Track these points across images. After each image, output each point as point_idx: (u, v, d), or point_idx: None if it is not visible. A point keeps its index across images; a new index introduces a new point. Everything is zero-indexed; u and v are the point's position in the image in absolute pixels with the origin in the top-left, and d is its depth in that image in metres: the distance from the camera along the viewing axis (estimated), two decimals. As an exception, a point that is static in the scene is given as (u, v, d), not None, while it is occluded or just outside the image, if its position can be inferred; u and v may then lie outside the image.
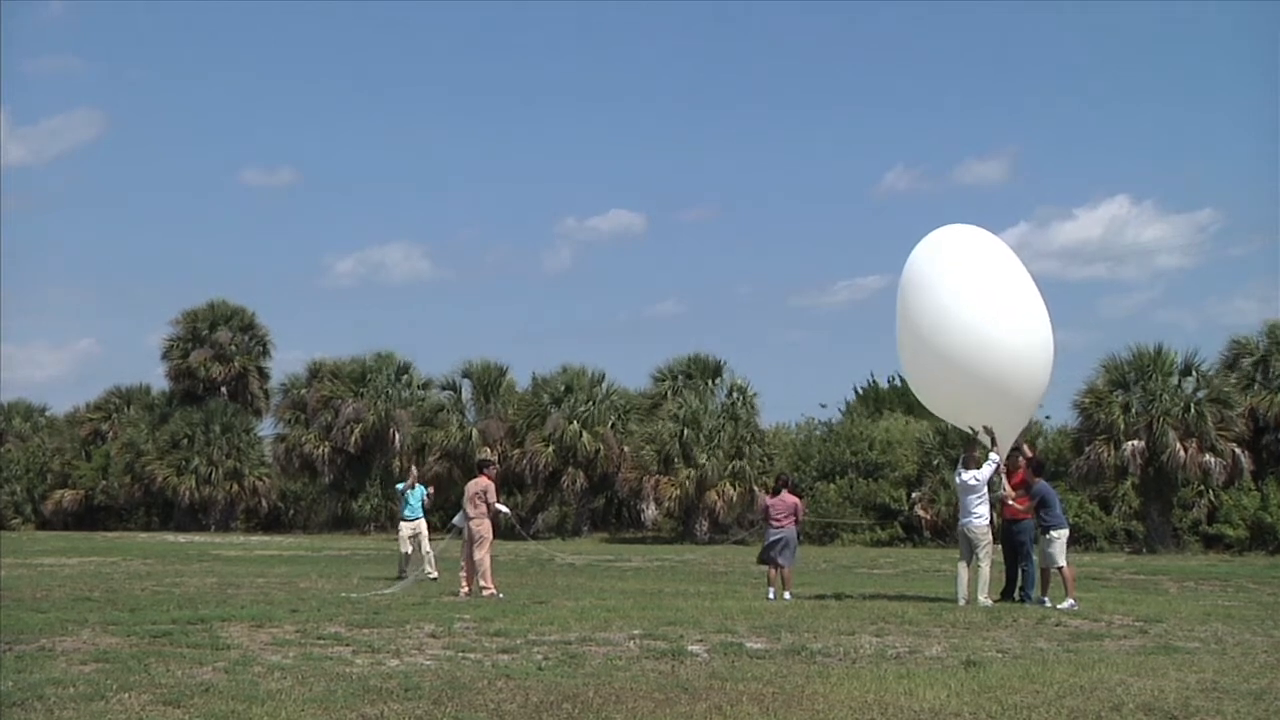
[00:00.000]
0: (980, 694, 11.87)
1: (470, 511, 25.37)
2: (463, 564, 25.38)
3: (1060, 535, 23.81)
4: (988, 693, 11.99)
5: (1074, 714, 10.80)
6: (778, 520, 26.54)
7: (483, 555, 25.07)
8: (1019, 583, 24.66)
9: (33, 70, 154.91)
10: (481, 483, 26.36)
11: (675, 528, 75.12)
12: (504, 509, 26.78)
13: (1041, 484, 25.83)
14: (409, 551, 33.93)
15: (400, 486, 36.04)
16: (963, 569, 24.34)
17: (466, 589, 24.49)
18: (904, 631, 18.13)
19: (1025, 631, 18.68)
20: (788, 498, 27.41)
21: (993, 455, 24.87)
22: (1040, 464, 28.56)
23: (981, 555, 24.31)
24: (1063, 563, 23.46)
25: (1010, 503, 25.10)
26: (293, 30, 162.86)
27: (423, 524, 34.55)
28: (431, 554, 33.57)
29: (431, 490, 37.73)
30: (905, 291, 17.96)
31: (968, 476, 24.69)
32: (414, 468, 41.49)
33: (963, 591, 23.97)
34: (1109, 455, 64.10)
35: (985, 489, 24.68)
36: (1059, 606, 22.43)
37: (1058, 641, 17.41)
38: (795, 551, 26.63)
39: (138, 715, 10.53)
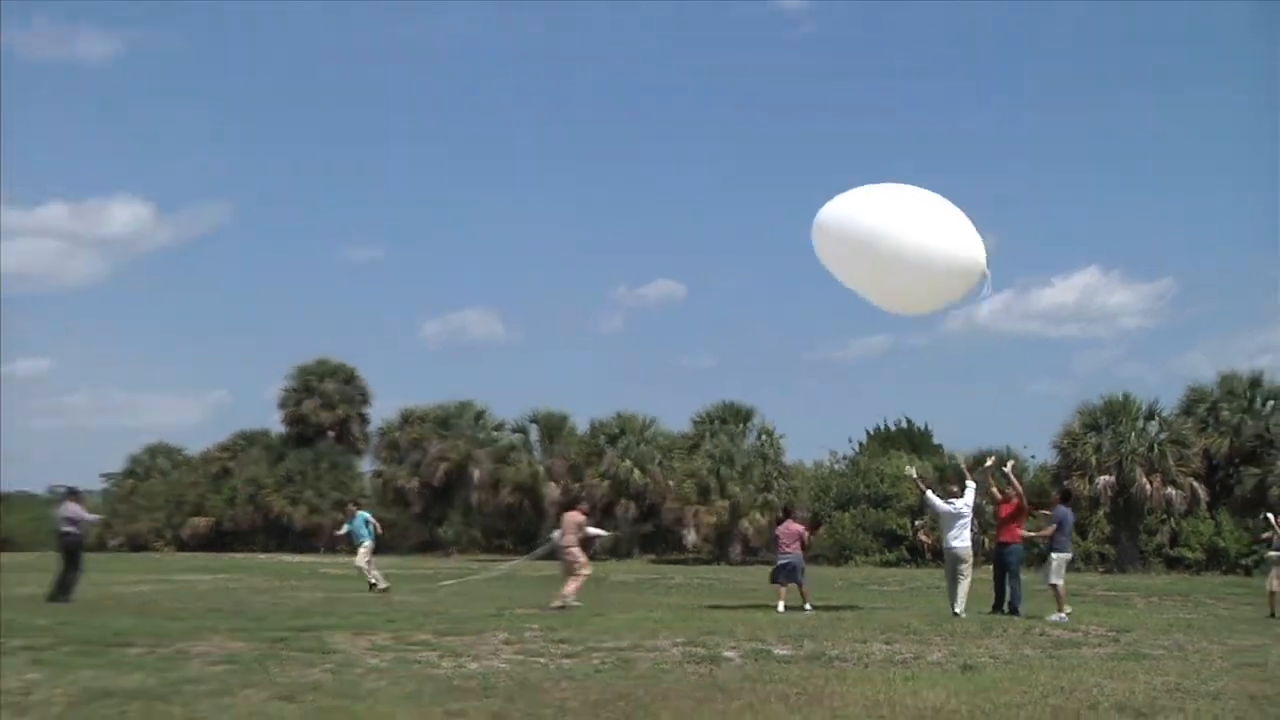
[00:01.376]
0: (975, 694, 11.82)
1: (566, 540, 25.49)
2: (568, 584, 25.31)
3: (1059, 558, 23.64)
4: (982, 693, 11.94)
5: (1057, 712, 10.75)
6: (785, 547, 26.65)
7: (578, 571, 25.21)
8: (1007, 598, 24.45)
9: (179, 169, 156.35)
10: (577, 517, 26.34)
11: (712, 550, 74.90)
12: (603, 532, 26.74)
13: (1063, 510, 25.82)
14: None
15: (363, 516, 36.31)
16: (951, 586, 24.17)
17: (565, 601, 24.54)
18: (909, 640, 18.04)
19: (1013, 640, 18.57)
20: (792, 526, 27.44)
21: (969, 483, 25.17)
22: (1068, 493, 28.81)
23: (964, 572, 24.10)
24: (1056, 581, 23.31)
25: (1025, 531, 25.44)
26: (378, 133, 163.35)
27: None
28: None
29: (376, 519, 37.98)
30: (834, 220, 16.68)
31: (960, 505, 24.53)
32: (353, 505, 41.63)
33: (959, 604, 23.68)
34: (1084, 488, 64.67)
35: (970, 516, 24.64)
36: (1049, 618, 22.18)
37: (1041, 649, 17.30)
38: (803, 570, 26.41)
39: (259, 709, 10.54)
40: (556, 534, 26.19)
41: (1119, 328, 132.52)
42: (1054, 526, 24.67)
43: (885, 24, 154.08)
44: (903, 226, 14.02)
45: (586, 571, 25.63)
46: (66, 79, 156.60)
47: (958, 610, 23.47)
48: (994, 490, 25.75)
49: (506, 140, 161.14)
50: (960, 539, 24.42)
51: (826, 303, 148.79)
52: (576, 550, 25.51)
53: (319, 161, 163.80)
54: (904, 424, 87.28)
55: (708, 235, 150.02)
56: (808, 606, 24.73)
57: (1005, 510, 25.67)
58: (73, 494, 28.54)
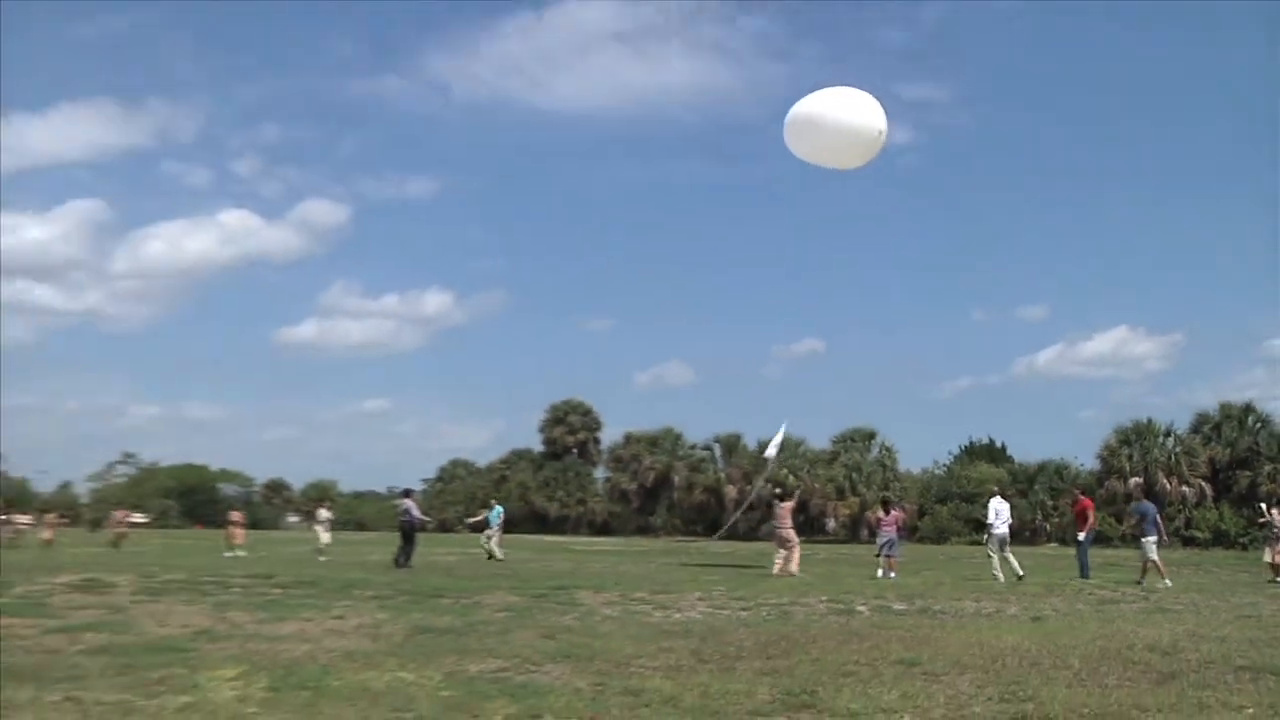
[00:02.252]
0: (1042, 638, 11.71)
1: (782, 524, 25.76)
2: (778, 555, 25.42)
3: (1149, 540, 23.34)
4: (1047, 637, 11.82)
5: (1103, 650, 10.62)
6: (886, 527, 26.72)
7: (793, 550, 25.17)
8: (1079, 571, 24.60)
9: (470, 270, 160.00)
10: (788, 506, 26.70)
11: (846, 534, 74.73)
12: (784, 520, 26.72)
13: (1145, 504, 26.35)
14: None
15: (498, 510, 36.18)
16: (998, 560, 24.12)
17: (779, 568, 24.58)
18: (992, 598, 17.84)
19: (1069, 599, 18.28)
20: (893, 513, 28.05)
21: (997, 503, 25.60)
22: (1148, 491, 29.14)
23: (1006, 551, 24.47)
24: (1154, 557, 23.00)
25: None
26: (603, 244, 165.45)
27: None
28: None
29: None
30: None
31: (1002, 507, 25.36)
32: (493, 501, 41.46)
33: (1016, 570, 23.68)
34: (1120, 487, 67.66)
35: (1007, 514, 25.41)
36: (1160, 584, 21.88)
37: (1090, 605, 17.01)
38: (897, 546, 26.51)
39: (529, 643, 10.79)
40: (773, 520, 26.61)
41: (1143, 370, 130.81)
42: (1138, 518, 24.60)
43: (963, 157, 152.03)
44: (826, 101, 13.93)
45: (797, 549, 25.60)
46: (399, 216, 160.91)
47: (997, 576, 23.54)
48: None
49: (695, 243, 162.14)
50: (1001, 527, 24.90)
51: (929, 353, 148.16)
52: (790, 531, 25.63)
53: (568, 260, 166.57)
54: (985, 441, 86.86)
55: (841, 308, 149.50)
56: (894, 574, 24.59)
57: (1083, 507, 26.85)
58: (407, 493, 29.40)
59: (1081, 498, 28.27)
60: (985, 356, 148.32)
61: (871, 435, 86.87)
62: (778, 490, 32.58)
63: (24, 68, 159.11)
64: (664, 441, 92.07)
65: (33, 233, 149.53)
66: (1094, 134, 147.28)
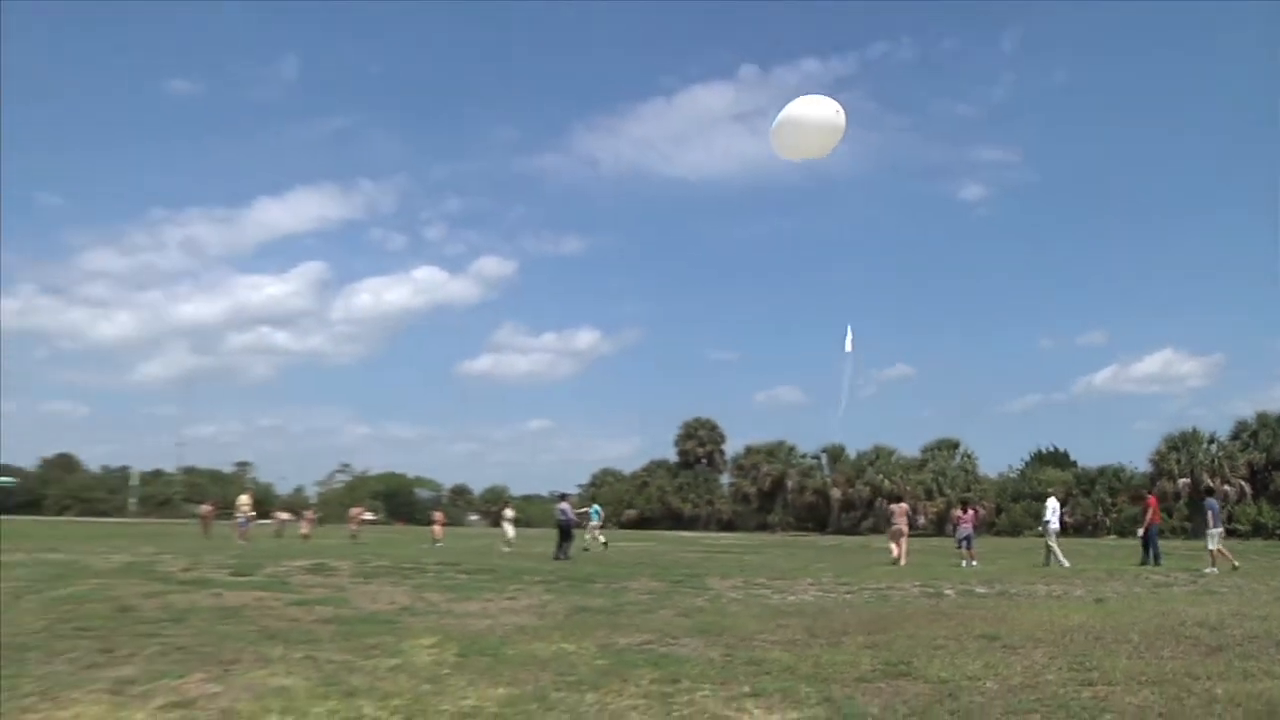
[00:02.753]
0: (1105, 617, 11.41)
1: (896, 521, 25.51)
2: (892, 545, 25.17)
3: (1214, 532, 22.64)
4: (1109, 616, 11.52)
5: (1159, 628, 10.32)
6: (964, 523, 26.49)
7: (903, 542, 24.83)
8: (1150, 559, 23.96)
9: (616, 313, 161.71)
10: (902, 506, 26.40)
11: (934, 529, 73.36)
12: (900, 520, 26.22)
13: (1210, 501, 25.35)
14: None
15: (596, 508, 35.87)
16: (1055, 548, 23.94)
17: (896, 558, 24.33)
18: (1060, 582, 17.39)
19: (1128, 582, 17.73)
20: (970, 511, 27.98)
21: (1052, 502, 25.99)
22: (1211, 490, 28.31)
23: (1054, 543, 24.27)
24: (1215, 546, 22.24)
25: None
26: (728, 283, 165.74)
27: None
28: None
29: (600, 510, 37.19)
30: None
31: (1055, 505, 25.72)
32: (592, 500, 41.10)
33: (1063, 561, 23.28)
34: (1170, 487, 66.62)
35: (1059, 512, 25.66)
36: (1208, 570, 20.92)
37: (1146, 588, 16.47)
38: (973, 540, 25.99)
39: (668, 620, 10.83)
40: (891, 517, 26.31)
41: (1187, 386, 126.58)
42: (1210, 513, 23.79)
43: (1028, 208, 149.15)
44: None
45: (905, 542, 25.19)
46: (557, 269, 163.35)
47: (1053, 564, 23.16)
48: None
49: (800, 284, 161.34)
50: (1053, 524, 25.06)
51: (1003, 375, 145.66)
52: (904, 527, 25.34)
53: (696, 301, 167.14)
54: (1052, 449, 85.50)
55: (927, 338, 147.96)
56: (975, 563, 24.09)
57: (1150, 504, 26.30)
58: (563, 497, 29.55)
59: (1149, 496, 27.79)
60: (1051, 377, 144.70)
61: (955, 445, 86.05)
62: (896, 496, 32.34)
63: (267, 162, 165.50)
64: (779, 452, 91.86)
65: (272, 290, 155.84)
66: (1141, 190, 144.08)
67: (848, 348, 15.51)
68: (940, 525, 75.07)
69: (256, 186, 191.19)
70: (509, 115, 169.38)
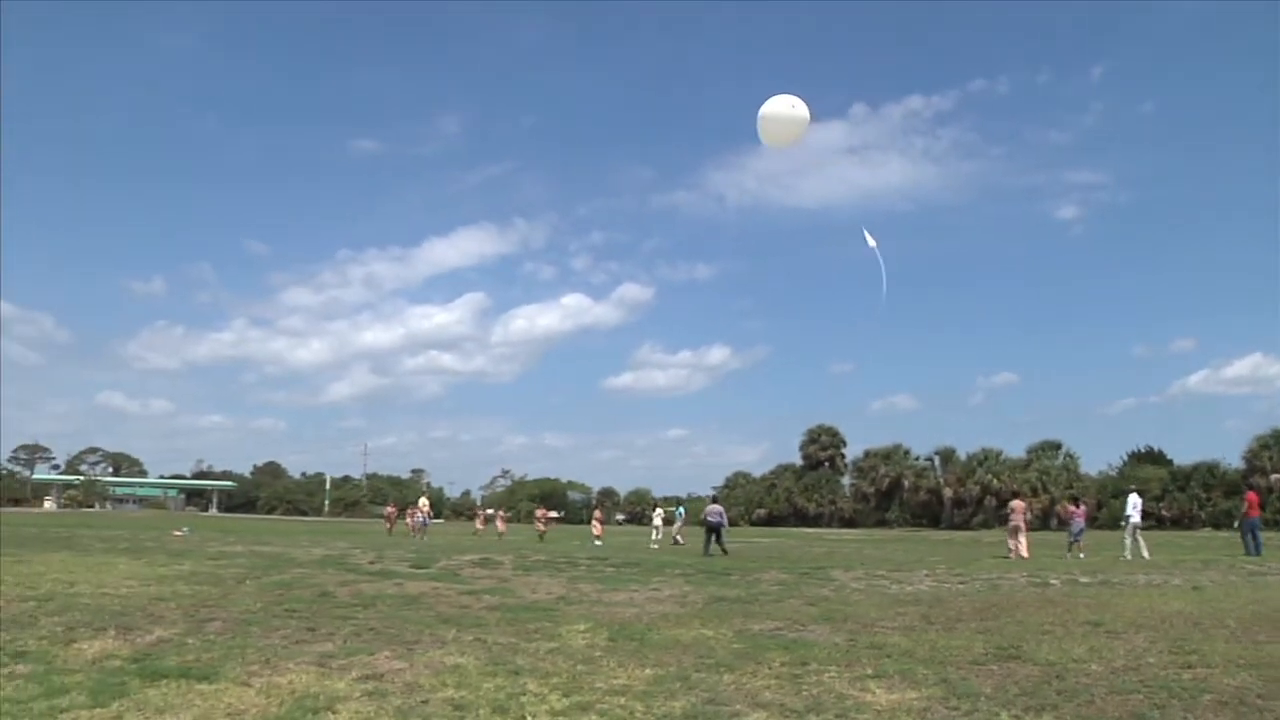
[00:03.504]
0: (1202, 603, 10.88)
1: (1015, 518, 24.42)
2: (1010, 541, 23.93)
3: None
4: (1207, 603, 10.97)
5: (1254, 613, 9.78)
6: (1076, 518, 25.58)
7: (1021, 536, 23.74)
8: (1252, 550, 22.84)
9: (741, 330, 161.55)
10: (1021, 503, 25.37)
11: (1038, 524, 71.04)
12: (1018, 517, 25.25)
13: None
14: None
15: (682, 509, 35.56)
16: (1131, 543, 22.94)
17: (1013, 554, 23.47)
18: (1158, 571, 16.61)
19: (1224, 571, 16.79)
20: (1080, 507, 26.79)
21: (1133, 498, 24.61)
22: None
23: (1138, 536, 23.26)
24: None
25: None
26: (834, 304, 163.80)
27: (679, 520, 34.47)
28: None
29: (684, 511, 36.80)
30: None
31: (1137, 500, 24.45)
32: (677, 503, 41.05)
33: (1142, 552, 22.41)
34: (1262, 482, 62.58)
35: (1140, 506, 24.35)
36: None
37: (1242, 576, 15.59)
38: (1083, 533, 25.04)
39: (796, 609, 10.72)
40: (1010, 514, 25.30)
41: (1275, 386, 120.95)
42: None
43: (1120, 226, 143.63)
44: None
45: (1023, 536, 24.16)
46: (690, 293, 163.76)
47: (1146, 556, 22.10)
48: None
49: (913, 302, 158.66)
50: (1135, 516, 23.98)
51: (1102, 380, 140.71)
52: (1021, 523, 24.47)
53: (816, 319, 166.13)
54: (1149, 448, 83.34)
55: (1030, 347, 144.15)
56: (1082, 555, 23.14)
57: (1249, 498, 24.94)
58: (715, 500, 29.61)
59: (1249, 492, 26.32)
60: (1146, 381, 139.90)
61: (1057, 446, 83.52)
62: (1014, 490, 31.45)
63: (434, 206, 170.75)
64: (895, 455, 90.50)
65: (440, 318, 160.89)
66: (1226, 204, 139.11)
67: (870, 243, 15.60)
68: (1045, 520, 72.79)
69: (426, 228, 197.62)
70: (645, 157, 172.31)
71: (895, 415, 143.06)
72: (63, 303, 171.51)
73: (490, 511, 53.35)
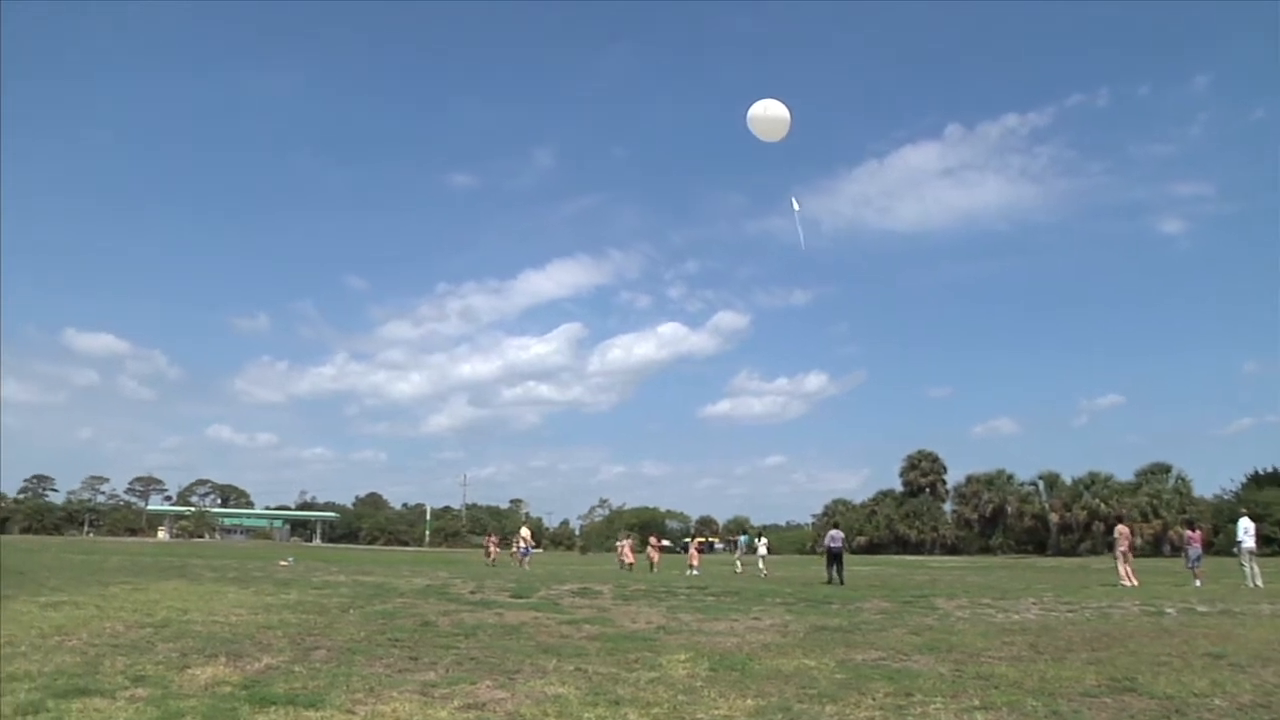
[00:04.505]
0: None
1: (1120, 545, 23.59)
2: (1122, 568, 23.13)
3: None
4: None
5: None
6: (1193, 543, 24.49)
7: (1125, 561, 23.15)
8: None
9: (837, 356, 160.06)
10: (1125, 530, 24.40)
11: (1149, 550, 68.69)
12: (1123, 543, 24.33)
13: None
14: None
15: (745, 538, 34.88)
16: (1249, 568, 21.93)
17: (1125, 581, 22.80)
18: (1286, 604, 15.96)
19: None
20: (1196, 532, 25.53)
21: (1244, 522, 23.34)
22: None
23: (1249, 561, 22.21)
24: None
25: None
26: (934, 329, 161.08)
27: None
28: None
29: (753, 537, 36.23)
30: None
31: (1250, 525, 23.17)
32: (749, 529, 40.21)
33: (1257, 579, 21.47)
34: None
35: (1252, 531, 23.04)
36: None
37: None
38: (1201, 560, 23.77)
39: (900, 638, 10.53)
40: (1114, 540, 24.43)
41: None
42: None
43: (1227, 239, 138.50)
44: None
45: (1125, 564, 23.50)
46: (786, 320, 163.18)
47: (1259, 585, 21.12)
48: None
49: (1011, 323, 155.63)
50: (1248, 542, 22.74)
51: (1211, 400, 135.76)
52: (1126, 550, 23.64)
53: (914, 343, 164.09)
54: (1271, 469, 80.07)
55: (1136, 367, 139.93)
56: (1198, 583, 22.14)
57: None
58: (835, 525, 29.11)
59: None
60: (1264, 399, 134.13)
61: (1168, 469, 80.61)
62: (1117, 516, 30.31)
63: (530, 239, 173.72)
64: (997, 480, 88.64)
65: (536, 349, 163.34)
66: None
67: (795, 207, 17.43)
68: (1156, 546, 70.28)
69: (522, 260, 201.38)
70: (737, 184, 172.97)
71: (996, 440, 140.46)
72: (174, 341, 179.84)
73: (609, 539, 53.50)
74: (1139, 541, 73.08)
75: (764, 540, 36.78)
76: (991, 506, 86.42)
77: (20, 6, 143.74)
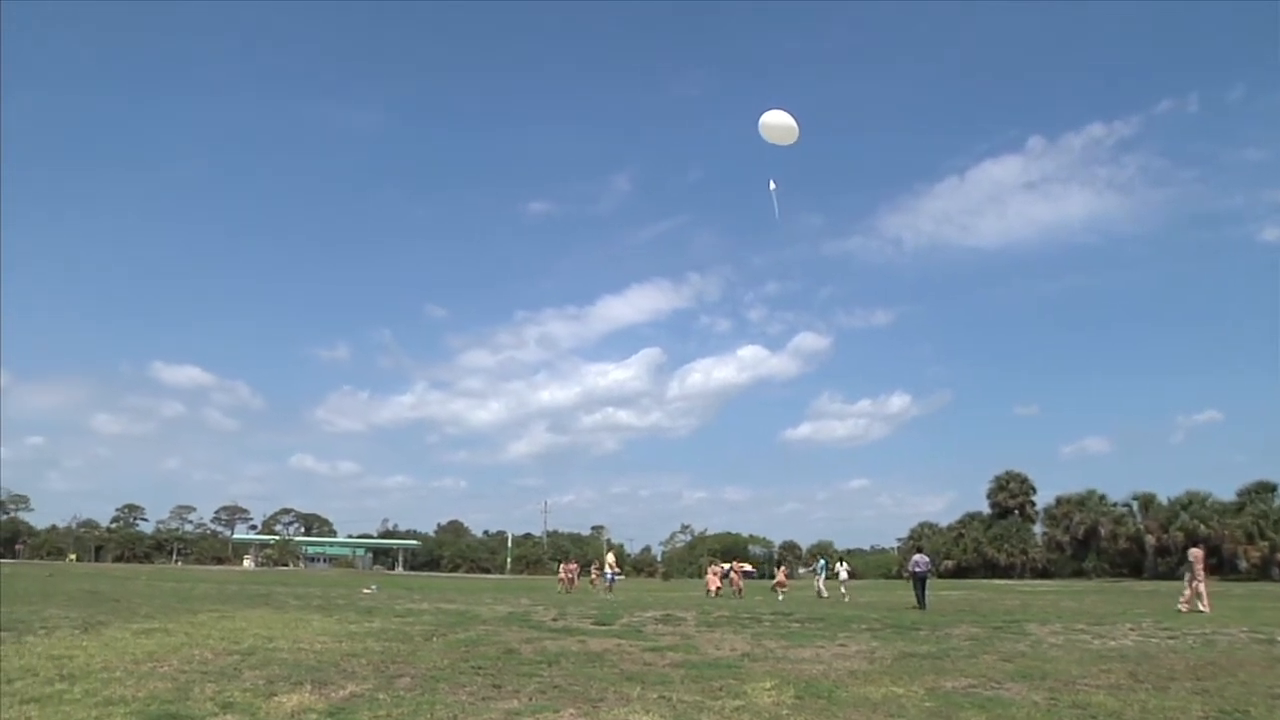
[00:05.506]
0: None
1: (1196, 569, 22.78)
2: (1191, 589, 22.53)
3: None
4: None
5: None
6: None
7: (1194, 587, 22.26)
8: None
9: (920, 378, 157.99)
10: (1199, 553, 23.48)
11: (1256, 574, 66.19)
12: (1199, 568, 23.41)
13: None
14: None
15: (822, 562, 34.13)
16: None
17: (1200, 605, 21.94)
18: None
19: None
20: None
21: None
22: None
23: None
24: None
25: None
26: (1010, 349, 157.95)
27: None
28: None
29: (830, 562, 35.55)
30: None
31: None
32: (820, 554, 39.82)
33: None
34: None
35: None
36: None
37: None
38: None
39: (991, 665, 10.29)
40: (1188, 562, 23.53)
41: None
42: None
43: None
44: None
45: (1193, 587, 22.70)
46: (868, 340, 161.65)
47: None
48: None
49: (1103, 338, 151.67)
50: None
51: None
52: (1200, 572, 22.82)
53: (1000, 361, 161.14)
54: None
55: (1235, 382, 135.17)
56: None
57: None
58: (919, 549, 28.77)
59: None
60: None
61: (1273, 488, 77.12)
62: (1193, 540, 29.01)
63: (608, 264, 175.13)
64: (1089, 501, 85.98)
65: (616, 375, 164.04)
66: None
67: (771, 187, 18.41)
68: (1264, 569, 67.49)
69: (600, 286, 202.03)
70: (817, 204, 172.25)
71: (1087, 459, 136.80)
72: (256, 372, 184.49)
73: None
74: (1244, 565, 70.54)
75: (845, 565, 36.23)
76: (1083, 528, 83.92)
77: (101, 34, 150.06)
